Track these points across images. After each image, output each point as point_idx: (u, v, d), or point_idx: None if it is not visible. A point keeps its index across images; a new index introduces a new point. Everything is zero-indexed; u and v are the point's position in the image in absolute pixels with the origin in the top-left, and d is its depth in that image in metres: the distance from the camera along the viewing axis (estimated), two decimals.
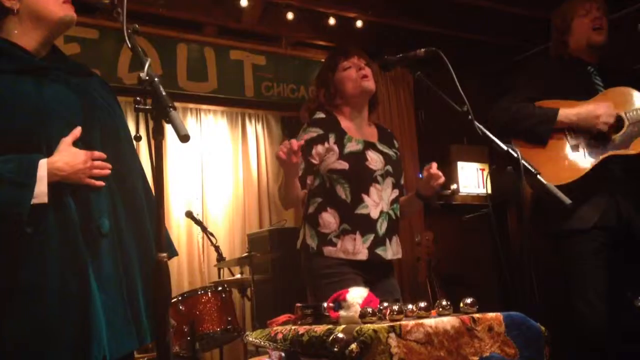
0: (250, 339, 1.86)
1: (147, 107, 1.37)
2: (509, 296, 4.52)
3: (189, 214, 4.12)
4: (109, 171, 1.63)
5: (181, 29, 4.64)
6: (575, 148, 2.55)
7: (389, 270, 2.41)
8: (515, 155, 1.98)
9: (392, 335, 1.39)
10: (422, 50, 2.14)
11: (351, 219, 2.28)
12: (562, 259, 2.60)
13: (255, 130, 5.31)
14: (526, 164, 1.96)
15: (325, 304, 1.68)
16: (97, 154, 1.62)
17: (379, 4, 4.82)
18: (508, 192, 4.45)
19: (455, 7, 4.74)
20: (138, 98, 1.37)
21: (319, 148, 2.32)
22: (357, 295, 1.62)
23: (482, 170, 5.57)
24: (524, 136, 2.59)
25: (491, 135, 2.04)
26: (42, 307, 1.50)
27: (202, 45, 4.71)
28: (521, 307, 1.70)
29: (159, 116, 1.35)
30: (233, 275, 4.13)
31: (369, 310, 1.53)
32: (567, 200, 1.97)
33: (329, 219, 2.30)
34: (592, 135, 2.55)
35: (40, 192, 1.52)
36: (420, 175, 5.04)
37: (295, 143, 2.08)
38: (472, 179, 5.54)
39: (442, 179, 2.31)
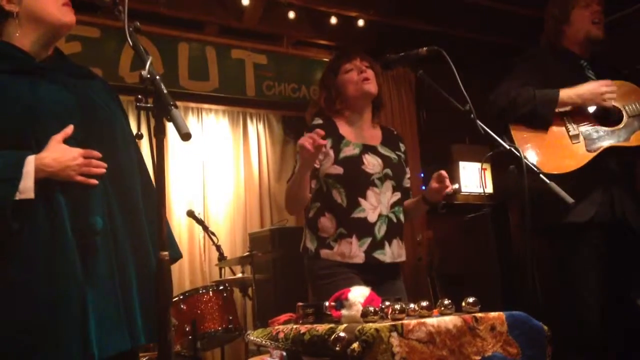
0: (252, 338, 1.86)
1: (149, 105, 1.36)
2: (512, 295, 4.51)
3: (191, 213, 4.11)
4: (103, 170, 1.61)
5: (183, 28, 4.64)
6: (575, 138, 2.53)
7: (393, 273, 2.39)
8: (518, 154, 1.97)
9: (394, 334, 1.38)
10: (424, 49, 2.13)
11: (348, 223, 2.28)
12: (557, 256, 2.58)
13: (256, 129, 5.31)
14: (529, 163, 1.96)
15: (326, 303, 1.68)
16: (90, 152, 1.60)
17: (380, 4, 4.82)
18: (510, 191, 4.44)
19: (456, 6, 4.73)
20: (140, 96, 1.36)
21: None
22: (358, 294, 1.62)
23: (484, 170, 5.55)
24: (524, 121, 2.55)
25: (493, 134, 2.03)
26: (29, 305, 1.48)
27: (204, 44, 4.71)
28: (524, 306, 1.69)
29: (160, 114, 1.35)
30: (234, 274, 4.13)
31: (371, 309, 1.52)
32: (570, 200, 1.96)
33: (327, 224, 2.31)
34: (591, 125, 2.53)
35: (27, 187, 1.50)
36: (422, 175, 5.06)
37: (321, 132, 2.07)
38: (473, 178, 5.53)
39: (450, 188, 2.29)
